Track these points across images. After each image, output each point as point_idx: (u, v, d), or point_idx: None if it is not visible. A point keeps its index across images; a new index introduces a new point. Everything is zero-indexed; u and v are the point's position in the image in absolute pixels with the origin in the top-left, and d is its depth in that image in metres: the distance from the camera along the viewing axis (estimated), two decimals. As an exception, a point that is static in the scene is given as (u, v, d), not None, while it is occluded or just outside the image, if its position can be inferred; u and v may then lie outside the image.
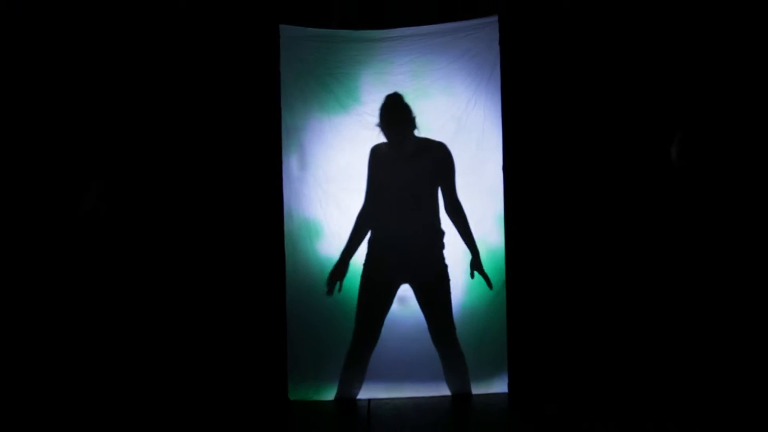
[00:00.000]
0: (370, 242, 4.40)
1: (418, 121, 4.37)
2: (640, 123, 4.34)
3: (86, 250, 4.28)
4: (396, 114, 4.32)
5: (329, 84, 4.43)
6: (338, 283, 4.36)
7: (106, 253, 4.30)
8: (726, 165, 4.24)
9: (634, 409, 4.02)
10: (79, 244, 4.27)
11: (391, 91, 4.38)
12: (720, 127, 4.27)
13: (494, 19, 4.39)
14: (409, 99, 4.38)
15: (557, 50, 4.39)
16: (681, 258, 4.26)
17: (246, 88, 4.39)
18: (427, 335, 4.38)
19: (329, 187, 4.44)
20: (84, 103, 4.35)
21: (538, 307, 4.38)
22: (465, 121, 4.44)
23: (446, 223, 4.40)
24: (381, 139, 4.38)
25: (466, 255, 4.37)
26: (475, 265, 4.36)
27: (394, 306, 4.41)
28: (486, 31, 4.41)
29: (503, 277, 4.39)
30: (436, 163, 4.36)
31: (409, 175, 4.33)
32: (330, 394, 4.40)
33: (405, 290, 4.42)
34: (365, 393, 4.39)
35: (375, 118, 4.38)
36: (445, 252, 4.39)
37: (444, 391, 4.38)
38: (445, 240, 4.39)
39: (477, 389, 4.38)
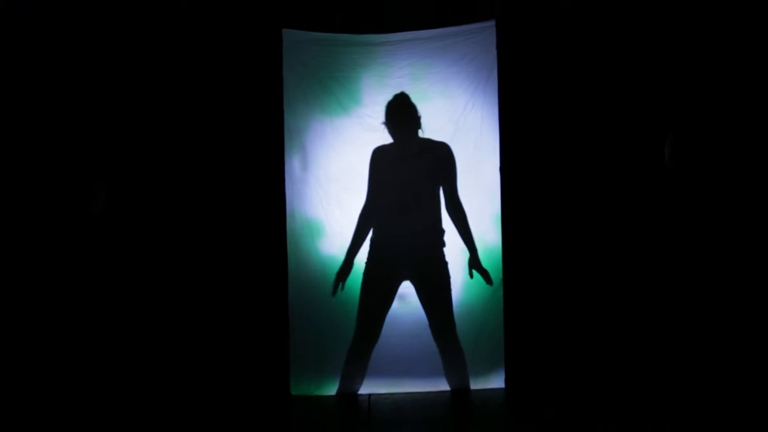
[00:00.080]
0: (372, 240, 4.40)
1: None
2: (634, 125, 4.34)
3: (94, 250, 4.27)
4: (402, 114, 4.31)
5: (331, 86, 4.45)
6: (342, 282, 4.36)
7: (115, 251, 4.29)
8: (718, 166, 4.24)
9: (629, 405, 4.02)
10: (86, 244, 4.26)
11: (391, 94, 4.35)
12: (711, 129, 4.27)
13: (491, 23, 4.39)
14: (409, 101, 4.40)
15: (553, 54, 4.38)
16: (675, 257, 4.25)
17: (249, 91, 4.39)
18: (426, 332, 4.37)
19: (330, 187, 4.46)
20: (85, 104, 4.33)
21: (534, 305, 4.37)
22: (463, 123, 4.46)
23: (445, 221, 4.40)
24: (381, 140, 4.37)
25: (464, 253, 4.37)
26: (474, 263, 4.37)
27: (395, 303, 4.41)
28: (483, 35, 4.42)
29: (500, 275, 4.38)
30: (439, 162, 4.36)
31: (412, 174, 4.33)
32: (331, 390, 4.40)
33: (405, 288, 4.42)
34: (366, 388, 4.39)
35: (375, 119, 4.37)
36: (445, 250, 4.40)
37: (443, 386, 4.39)
38: (445, 238, 4.39)
39: (475, 384, 4.39)
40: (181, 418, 4.02)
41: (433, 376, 4.40)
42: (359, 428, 4.00)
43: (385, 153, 4.39)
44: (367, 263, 4.40)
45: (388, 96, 4.37)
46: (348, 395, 4.38)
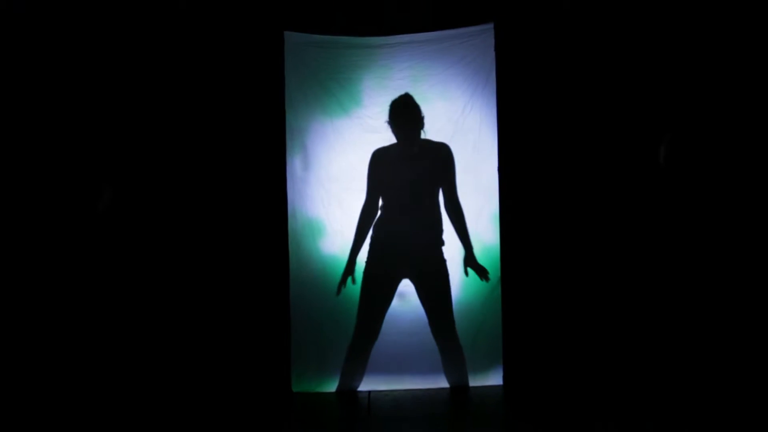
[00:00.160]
0: (372, 239, 4.41)
1: (419, 123, 4.41)
2: (631, 125, 4.34)
3: (99, 249, 4.28)
4: (407, 113, 4.33)
5: (332, 88, 4.46)
6: (347, 281, 4.38)
7: (119, 250, 4.30)
8: (714, 165, 4.26)
9: (627, 402, 4.03)
10: (91, 242, 4.27)
11: (391, 96, 4.37)
12: (707, 129, 4.28)
13: (490, 26, 4.40)
14: (409, 102, 4.42)
15: (551, 56, 4.38)
16: (671, 255, 4.27)
17: (252, 92, 4.39)
18: (425, 330, 4.38)
19: (331, 187, 4.47)
20: (87, 105, 4.31)
21: (532, 303, 4.37)
22: (462, 125, 4.48)
23: (443, 220, 4.42)
24: (382, 141, 4.39)
25: (462, 252, 4.41)
26: (469, 261, 4.39)
27: (394, 301, 4.42)
28: (482, 38, 4.43)
29: (498, 273, 4.39)
30: (439, 163, 4.38)
31: (413, 174, 4.34)
32: (332, 386, 4.41)
33: (405, 286, 4.43)
34: (366, 385, 4.40)
35: (376, 120, 4.41)
36: (443, 248, 4.41)
37: (442, 383, 4.40)
38: (444, 237, 4.42)
39: (473, 381, 4.40)
40: (185, 414, 4.03)
41: (432, 373, 4.41)
42: (359, 425, 4.01)
43: (386, 153, 4.40)
44: (367, 262, 4.42)
45: (388, 97, 4.40)
46: (348, 392, 4.39)
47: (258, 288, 4.40)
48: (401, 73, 4.49)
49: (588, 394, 4.18)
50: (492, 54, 4.42)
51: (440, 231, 4.42)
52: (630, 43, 4.36)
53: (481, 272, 4.39)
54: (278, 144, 4.42)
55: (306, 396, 4.37)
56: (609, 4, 4.37)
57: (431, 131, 4.42)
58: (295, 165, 4.48)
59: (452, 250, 4.44)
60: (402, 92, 4.39)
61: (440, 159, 4.39)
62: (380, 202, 4.43)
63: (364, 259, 4.43)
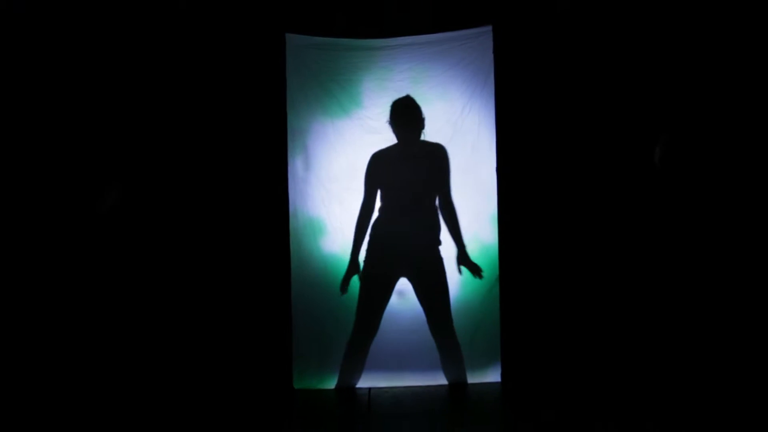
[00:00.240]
0: (371, 238, 4.43)
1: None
2: (627, 127, 4.37)
3: (103, 248, 4.30)
4: (408, 114, 4.37)
5: (332, 89, 4.49)
6: (351, 280, 4.40)
7: (123, 249, 4.32)
8: (709, 166, 4.28)
9: (623, 398, 4.05)
10: (95, 242, 4.29)
11: (391, 97, 4.41)
12: (702, 130, 4.30)
13: (488, 29, 4.43)
14: (409, 104, 4.43)
15: (548, 58, 4.42)
16: (666, 255, 4.30)
17: (254, 93, 4.42)
18: (424, 327, 4.41)
19: (332, 187, 4.49)
20: (89, 106, 4.31)
21: (529, 301, 4.41)
22: (461, 126, 4.50)
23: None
24: (382, 141, 4.42)
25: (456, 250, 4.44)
26: (462, 259, 4.42)
27: (394, 299, 4.45)
28: (480, 40, 4.45)
29: (497, 272, 4.43)
30: (437, 163, 4.41)
31: (412, 175, 4.38)
32: (333, 383, 4.44)
33: (404, 284, 4.46)
34: (366, 382, 4.43)
35: (376, 121, 4.44)
36: (441, 248, 4.44)
37: (441, 380, 4.43)
38: (441, 237, 4.45)
39: (472, 378, 4.43)
40: (189, 410, 4.06)
41: (431, 371, 4.44)
42: (360, 421, 4.02)
43: (386, 155, 4.43)
44: (366, 260, 4.44)
45: (388, 99, 4.43)
46: (348, 389, 4.42)
47: (260, 286, 4.43)
48: (401, 74, 4.51)
49: (585, 391, 4.20)
50: (490, 56, 4.45)
51: (439, 231, 4.45)
52: (626, 46, 4.39)
53: (475, 269, 4.42)
54: (280, 144, 4.45)
55: (307, 393, 4.40)
56: (605, 8, 4.40)
57: (431, 132, 4.46)
58: (296, 165, 4.50)
59: (450, 249, 4.47)
60: (402, 93, 4.43)
61: (438, 160, 4.42)
62: (380, 203, 4.45)
63: (363, 257, 4.46)
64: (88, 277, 4.29)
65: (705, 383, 4.11)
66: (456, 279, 4.47)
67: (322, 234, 4.52)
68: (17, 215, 4.25)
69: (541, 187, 4.44)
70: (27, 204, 4.26)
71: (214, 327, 4.40)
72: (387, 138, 4.46)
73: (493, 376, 4.47)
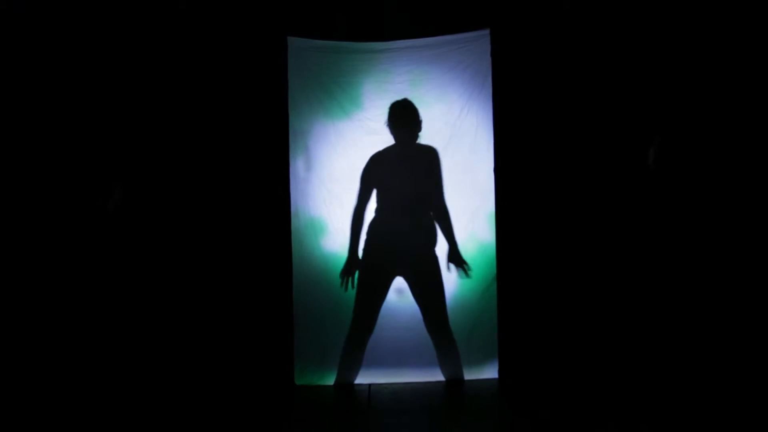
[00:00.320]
0: (367, 237, 4.47)
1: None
2: (623, 128, 4.39)
3: (106, 247, 4.31)
4: (406, 116, 4.42)
5: (333, 91, 4.52)
6: (352, 278, 4.43)
7: (126, 248, 4.34)
8: (704, 167, 4.30)
9: (618, 395, 4.07)
10: (98, 241, 4.30)
11: (391, 99, 4.45)
12: (697, 131, 4.31)
13: (486, 32, 4.47)
14: (408, 106, 4.45)
15: (545, 61, 4.45)
16: (662, 254, 4.31)
17: (256, 95, 4.45)
18: (422, 325, 4.44)
19: (333, 187, 4.52)
20: (90, 108, 4.32)
21: (526, 299, 4.44)
22: (459, 127, 4.53)
23: None
24: (382, 142, 4.46)
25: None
26: (452, 256, 4.44)
27: (393, 297, 4.48)
28: (478, 43, 4.48)
29: (494, 270, 4.46)
30: (430, 165, 4.45)
31: (410, 175, 4.42)
32: (332, 380, 4.47)
33: (403, 282, 4.49)
34: (366, 378, 4.47)
35: (376, 123, 4.47)
36: (436, 248, 4.48)
37: (439, 376, 4.46)
38: (436, 236, 4.48)
39: (469, 375, 4.46)
40: (192, 406, 4.08)
41: (430, 367, 4.47)
42: (360, 416, 4.05)
43: (382, 156, 4.46)
44: (363, 259, 4.47)
45: (388, 101, 4.46)
46: (347, 385, 4.45)
47: (262, 285, 4.46)
48: (400, 77, 4.54)
49: (582, 387, 4.23)
50: (488, 59, 4.49)
51: (434, 230, 4.48)
52: (622, 49, 4.41)
53: (463, 266, 4.43)
54: (281, 145, 4.48)
55: (308, 389, 4.43)
56: (603, 11, 4.42)
57: (429, 133, 4.50)
58: (298, 166, 4.53)
59: (446, 247, 4.50)
60: (401, 96, 4.47)
61: (431, 161, 4.47)
62: (376, 203, 4.49)
63: (360, 256, 4.49)
64: (91, 277, 4.31)
65: (701, 380, 4.12)
66: (454, 277, 4.50)
67: (323, 234, 4.55)
68: (19, 215, 4.26)
69: (538, 187, 4.47)
70: (29, 204, 4.27)
71: (217, 325, 4.43)
72: (387, 139, 4.50)
73: (490, 372, 4.49)
